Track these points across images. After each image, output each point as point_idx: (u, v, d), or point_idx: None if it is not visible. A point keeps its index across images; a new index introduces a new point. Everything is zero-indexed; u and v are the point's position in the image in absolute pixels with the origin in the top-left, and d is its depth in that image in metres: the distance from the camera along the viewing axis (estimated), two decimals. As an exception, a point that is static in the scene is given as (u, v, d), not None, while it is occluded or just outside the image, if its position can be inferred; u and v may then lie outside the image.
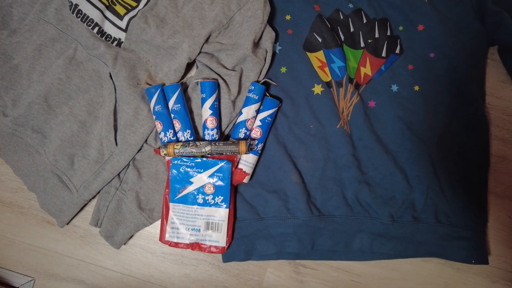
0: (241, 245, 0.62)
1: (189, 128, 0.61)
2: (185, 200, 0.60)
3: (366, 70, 0.65)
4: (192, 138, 0.61)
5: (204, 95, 0.60)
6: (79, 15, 0.63)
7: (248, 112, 0.61)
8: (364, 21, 0.66)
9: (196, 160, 0.59)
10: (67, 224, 0.64)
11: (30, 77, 0.64)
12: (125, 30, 0.64)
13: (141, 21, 0.62)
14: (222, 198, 0.60)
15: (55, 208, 0.62)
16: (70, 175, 0.62)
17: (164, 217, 0.61)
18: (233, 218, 0.62)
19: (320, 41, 0.65)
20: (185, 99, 0.63)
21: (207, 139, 0.61)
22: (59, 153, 0.62)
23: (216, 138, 0.61)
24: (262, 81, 0.63)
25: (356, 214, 0.63)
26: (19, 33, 0.65)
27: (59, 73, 0.63)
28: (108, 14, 0.63)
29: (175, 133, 0.61)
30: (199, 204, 0.60)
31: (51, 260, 0.65)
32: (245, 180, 0.61)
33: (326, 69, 0.64)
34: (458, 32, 0.66)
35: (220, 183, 0.60)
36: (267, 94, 0.63)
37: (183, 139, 0.61)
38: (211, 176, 0.60)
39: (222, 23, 0.62)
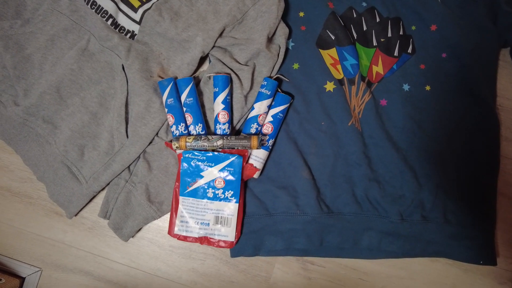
0: (249, 240, 0.62)
1: (200, 122, 0.61)
2: (195, 194, 0.60)
3: (378, 69, 0.65)
4: (203, 132, 0.61)
5: (216, 89, 0.60)
6: (93, 6, 0.63)
7: (260, 107, 0.61)
8: (377, 19, 0.66)
9: (207, 154, 0.59)
10: (76, 215, 0.64)
11: (42, 67, 0.64)
12: (139, 23, 0.64)
13: (155, 14, 0.62)
14: (232, 192, 0.60)
15: (64, 199, 0.62)
16: (80, 166, 0.62)
17: (174, 210, 0.60)
18: (242, 213, 0.62)
19: (333, 38, 0.65)
20: (197, 93, 0.63)
21: (219, 133, 0.61)
22: (69, 144, 0.62)
23: (228, 133, 0.61)
24: (274, 77, 0.63)
25: (365, 212, 0.63)
26: (33, 23, 0.65)
27: (71, 64, 0.63)
28: (123, 6, 0.63)
29: (186, 127, 0.61)
30: (209, 198, 0.60)
31: (58, 251, 0.64)
32: (255, 176, 0.61)
33: (339, 66, 0.64)
34: (470, 32, 0.66)
35: (230, 177, 0.60)
36: (279, 90, 0.63)
37: (195, 133, 0.61)
38: (221, 170, 0.60)
39: (236, 18, 0.62)
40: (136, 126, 0.62)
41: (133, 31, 0.64)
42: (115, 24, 0.64)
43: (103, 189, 0.63)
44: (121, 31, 0.64)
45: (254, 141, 0.58)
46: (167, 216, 0.64)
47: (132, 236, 0.64)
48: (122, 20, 0.64)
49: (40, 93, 0.63)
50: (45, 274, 0.64)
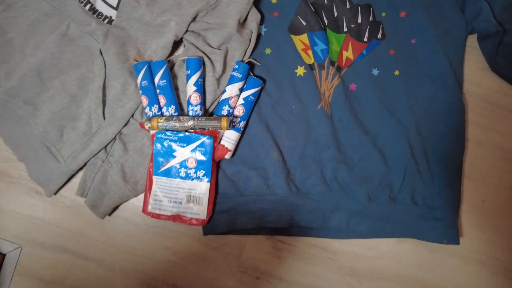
0: (221, 219, 0.64)
1: (173, 104, 0.63)
2: (168, 173, 0.62)
3: (348, 54, 0.67)
4: (176, 114, 0.63)
5: (189, 72, 0.62)
6: (72, -8, 0.65)
7: (231, 90, 0.63)
8: (348, 6, 0.68)
9: (179, 135, 0.62)
10: (55, 194, 0.67)
11: (23, 51, 0.67)
12: (116, 8, 0.66)
13: (131, 0, 0.64)
14: (203, 172, 0.62)
15: (43, 177, 0.64)
16: (59, 147, 0.64)
17: (148, 189, 0.63)
18: (215, 192, 0.64)
19: (305, 24, 0.67)
20: (172, 76, 0.65)
21: (191, 114, 0.63)
22: (49, 125, 0.64)
23: (200, 114, 0.63)
24: (246, 61, 0.65)
25: (334, 193, 0.64)
26: (15, 8, 0.67)
27: (51, 48, 0.66)
28: (100, -9, 0.66)
29: (160, 108, 0.63)
30: (181, 178, 0.62)
31: (38, 229, 0.67)
32: (227, 156, 0.63)
33: (309, 51, 0.66)
34: (439, 19, 0.68)
35: (202, 157, 0.62)
36: (251, 74, 0.65)
37: (168, 114, 0.63)
38: (193, 150, 0.62)
39: (210, 4, 0.64)
40: (113, 108, 0.64)
41: (110, 17, 0.66)
42: (93, 10, 0.66)
43: (81, 168, 0.65)
44: (99, 17, 0.66)
45: (224, 122, 0.60)
46: (143, 195, 0.67)
47: (109, 214, 0.66)
48: (100, 6, 0.66)
49: (21, 75, 0.65)
50: (25, 251, 0.66)
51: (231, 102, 0.63)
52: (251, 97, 0.64)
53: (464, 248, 0.66)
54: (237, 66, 0.63)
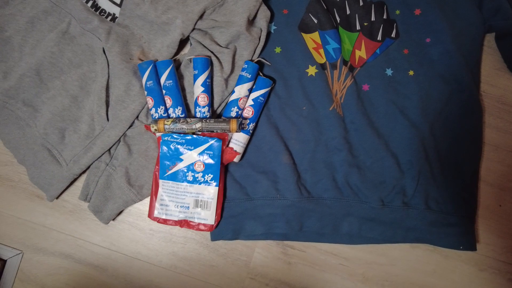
0: (229, 224, 0.62)
1: (180, 105, 0.60)
2: (174, 177, 0.60)
3: (361, 53, 0.65)
4: (183, 115, 0.60)
5: (196, 72, 0.60)
6: (73, -13, 0.62)
7: (240, 90, 0.61)
8: (361, 3, 0.65)
9: (186, 137, 0.59)
10: (56, 198, 0.64)
11: (22, 49, 0.64)
12: (119, 5, 0.63)
13: (135, -4, 0.62)
14: (211, 176, 0.60)
15: (44, 181, 0.62)
16: (61, 149, 0.62)
17: (153, 193, 0.60)
18: (223, 197, 0.62)
19: (316, 22, 0.64)
20: (178, 76, 0.62)
21: (199, 116, 0.60)
22: (50, 127, 0.62)
23: (208, 116, 0.60)
24: (255, 60, 0.63)
25: (346, 197, 0.62)
26: (12, 5, 0.64)
27: (51, 47, 0.63)
28: (102, -13, 0.63)
29: (166, 110, 0.60)
30: (188, 182, 0.60)
31: (39, 234, 0.65)
32: (236, 160, 0.61)
33: (321, 50, 0.64)
34: (455, 17, 0.65)
35: (210, 161, 0.59)
36: (261, 74, 0.63)
37: (174, 116, 0.60)
38: (201, 153, 0.59)
39: (217, 1, 0.61)
40: (116, 109, 0.61)
41: (114, 14, 0.63)
42: (96, 7, 0.63)
43: (83, 172, 0.63)
44: (101, 14, 0.63)
45: (233, 124, 0.58)
46: (148, 199, 0.64)
47: (113, 219, 0.64)
48: (103, 3, 0.63)
49: (19, 75, 0.62)
50: (26, 257, 0.64)
51: (240, 103, 0.61)
52: (261, 98, 0.62)
53: (480, 254, 0.65)
54: (246, 65, 0.61)
